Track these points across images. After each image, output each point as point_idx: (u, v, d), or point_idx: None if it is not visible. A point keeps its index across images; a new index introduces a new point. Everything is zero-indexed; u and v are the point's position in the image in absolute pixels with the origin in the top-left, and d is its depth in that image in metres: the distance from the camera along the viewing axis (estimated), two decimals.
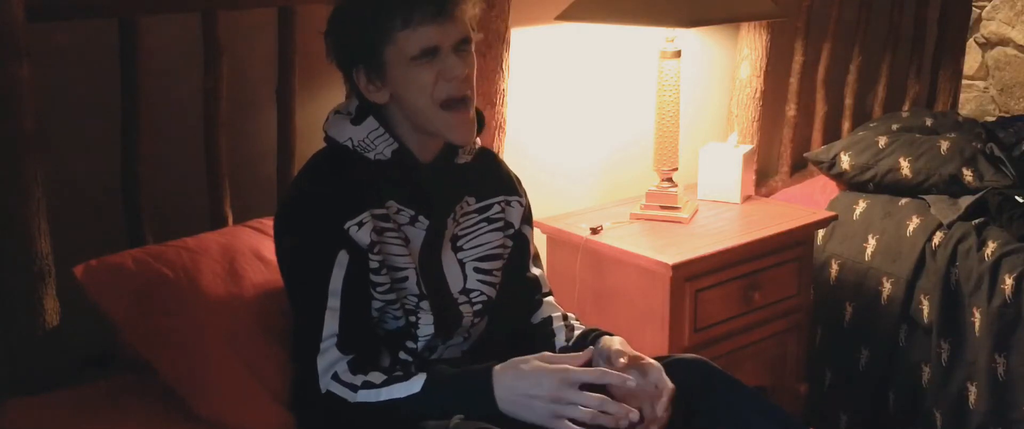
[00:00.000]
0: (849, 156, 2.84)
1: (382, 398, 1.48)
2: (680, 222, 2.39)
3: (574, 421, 1.43)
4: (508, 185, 1.75)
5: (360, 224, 1.52)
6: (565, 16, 2.31)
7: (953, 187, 2.73)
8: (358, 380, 1.50)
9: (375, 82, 1.54)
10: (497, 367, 1.48)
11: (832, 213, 2.61)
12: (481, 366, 1.50)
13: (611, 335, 1.67)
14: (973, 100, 4.07)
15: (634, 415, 1.44)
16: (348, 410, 1.49)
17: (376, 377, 1.51)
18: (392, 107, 1.57)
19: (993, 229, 2.57)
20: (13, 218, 1.60)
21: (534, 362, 1.47)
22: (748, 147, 2.62)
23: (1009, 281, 2.42)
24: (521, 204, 1.76)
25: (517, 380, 1.45)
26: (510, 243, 1.73)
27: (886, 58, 3.30)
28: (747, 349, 2.38)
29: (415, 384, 1.48)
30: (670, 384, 1.54)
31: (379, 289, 1.56)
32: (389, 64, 1.52)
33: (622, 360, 1.55)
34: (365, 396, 1.49)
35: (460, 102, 1.55)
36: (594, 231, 2.31)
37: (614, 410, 1.43)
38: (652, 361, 1.58)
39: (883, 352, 2.66)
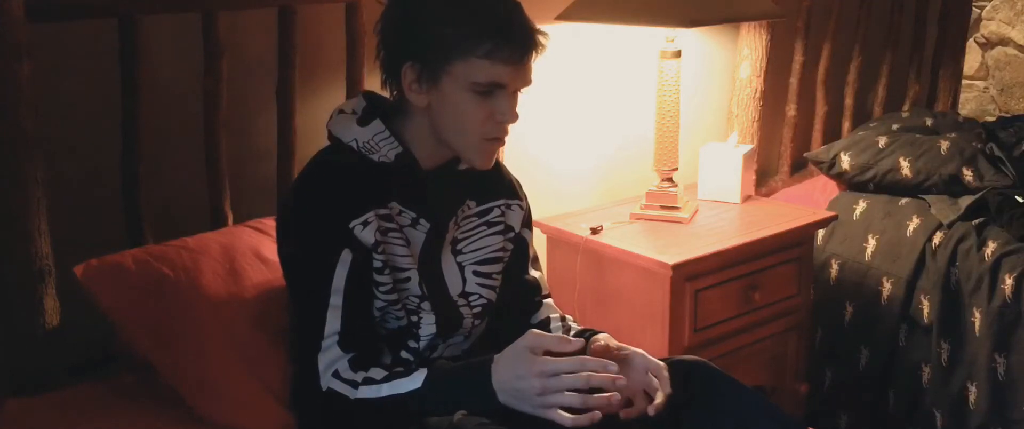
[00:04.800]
0: (849, 156, 2.84)
1: (383, 394, 1.48)
2: (680, 222, 2.39)
3: (565, 409, 1.43)
4: (509, 189, 1.75)
5: (365, 223, 1.52)
6: (565, 16, 2.31)
7: (953, 187, 2.73)
8: (359, 377, 1.50)
9: (423, 85, 1.52)
10: (496, 358, 1.48)
11: (832, 213, 2.61)
12: (480, 359, 1.50)
13: (600, 333, 1.67)
14: (973, 100, 4.07)
15: (616, 398, 1.45)
16: (349, 407, 1.49)
17: (377, 373, 1.50)
18: (414, 112, 1.56)
19: (993, 229, 2.57)
20: (13, 218, 1.60)
21: (521, 349, 1.46)
22: (748, 147, 2.62)
23: (1009, 281, 2.42)
24: (521, 208, 1.75)
25: (508, 372, 1.45)
26: (510, 246, 1.73)
27: (886, 58, 3.30)
28: (747, 349, 2.38)
29: (416, 379, 1.48)
30: (659, 362, 1.56)
31: (382, 289, 1.55)
32: (449, 77, 1.50)
33: (597, 345, 1.57)
34: (366, 392, 1.49)
35: (496, 139, 1.57)
36: (594, 231, 2.31)
37: (595, 404, 1.43)
38: (634, 349, 1.59)
39: (883, 352, 2.66)
